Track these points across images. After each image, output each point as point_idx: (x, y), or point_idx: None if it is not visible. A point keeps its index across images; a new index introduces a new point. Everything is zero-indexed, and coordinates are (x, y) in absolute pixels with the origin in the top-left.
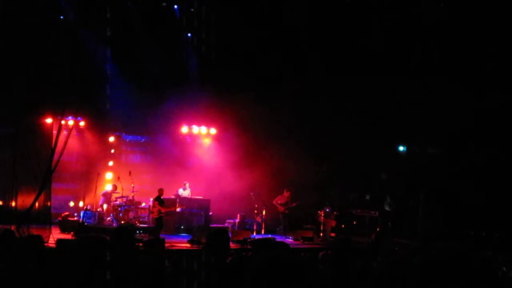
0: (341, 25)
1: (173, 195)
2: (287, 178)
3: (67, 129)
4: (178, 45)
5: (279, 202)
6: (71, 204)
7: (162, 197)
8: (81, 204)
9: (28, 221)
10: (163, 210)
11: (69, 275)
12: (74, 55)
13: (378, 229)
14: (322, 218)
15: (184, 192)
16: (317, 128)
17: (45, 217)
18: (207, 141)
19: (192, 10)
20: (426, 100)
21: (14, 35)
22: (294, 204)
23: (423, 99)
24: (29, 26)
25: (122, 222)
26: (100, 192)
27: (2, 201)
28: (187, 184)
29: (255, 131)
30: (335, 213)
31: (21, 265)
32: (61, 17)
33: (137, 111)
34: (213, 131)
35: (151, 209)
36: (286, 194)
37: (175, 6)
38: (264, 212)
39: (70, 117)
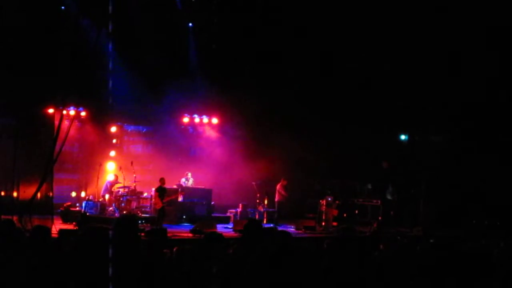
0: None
1: (175, 185)
2: (289, 167)
3: (69, 119)
4: (180, 34)
5: (278, 190)
6: (73, 194)
7: (164, 187)
8: (83, 194)
9: (30, 211)
10: (164, 201)
11: (72, 264)
12: (75, 45)
13: (379, 218)
14: (323, 207)
15: (187, 183)
16: (318, 117)
17: (47, 208)
18: (209, 131)
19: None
20: (428, 89)
21: (14, 25)
22: (285, 194)
23: (424, 88)
24: (30, 16)
25: (124, 212)
26: (102, 182)
27: (4, 192)
28: (190, 174)
29: (257, 120)
30: (337, 202)
31: (27, 256)
32: (62, 7)
33: (139, 101)
34: (215, 120)
35: (153, 200)
36: (284, 182)
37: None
38: (266, 202)
39: (71, 107)
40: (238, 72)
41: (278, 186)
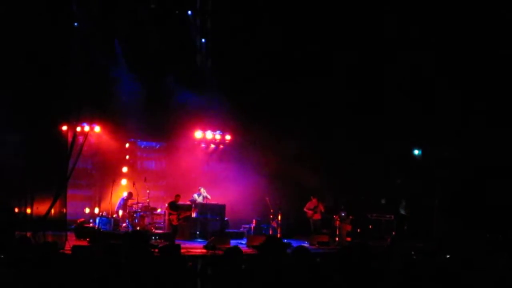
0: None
1: (189, 200)
2: (302, 182)
3: (82, 136)
4: (193, 50)
5: (309, 207)
6: (87, 210)
7: (176, 203)
8: (96, 210)
9: (44, 228)
10: (180, 217)
11: (85, 281)
12: (88, 61)
13: (393, 233)
14: (337, 222)
15: (199, 198)
16: (331, 132)
17: (61, 224)
18: (221, 146)
19: (206, 16)
20: (441, 103)
21: (27, 42)
22: (322, 209)
23: (436, 102)
24: (42, 33)
25: (138, 228)
26: (115, 198)
27: (18, 208)
28: (202, 189)
29: (269, 136)
30: (350, 217)
31: (37, 271)
32: (75, 24)
33: (152, 117)
34: (227, 136)
35: (167, 216)
36: (313, 200)
37: (189, 12)
38: (279, 217)
39: (85, 124)
40: (252, 87)
41: (307, 204)
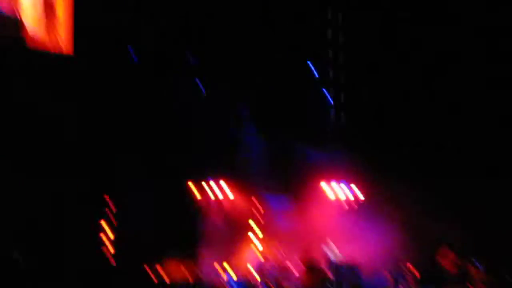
0: None
1: (320, 257)
2: (436, 234)
3: (209, 193)
4: (321, 104)
5: (442, 258)
6: (220, 270)
7: (311, 262)
8: (229, 270)
9: None
10: (316, 276)
11: None
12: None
13: None
14: (473, 274)
15: (331, 254)
16: (464, 186)
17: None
18: (352, 201)
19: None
20: None
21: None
22: (457, 261)
23: None
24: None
25: None
26: (248, 258)
27: (150, 270)
28: (332, 245)
29: (401, 188)
30: (487, 270)
31: None
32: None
33: (278, 172)
34: (357, 190)
35: (303, 276)
36: (447, 251)
37: (311, 63)
38: (413, 271)
39: (211, 179)
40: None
41: (440, 255)
